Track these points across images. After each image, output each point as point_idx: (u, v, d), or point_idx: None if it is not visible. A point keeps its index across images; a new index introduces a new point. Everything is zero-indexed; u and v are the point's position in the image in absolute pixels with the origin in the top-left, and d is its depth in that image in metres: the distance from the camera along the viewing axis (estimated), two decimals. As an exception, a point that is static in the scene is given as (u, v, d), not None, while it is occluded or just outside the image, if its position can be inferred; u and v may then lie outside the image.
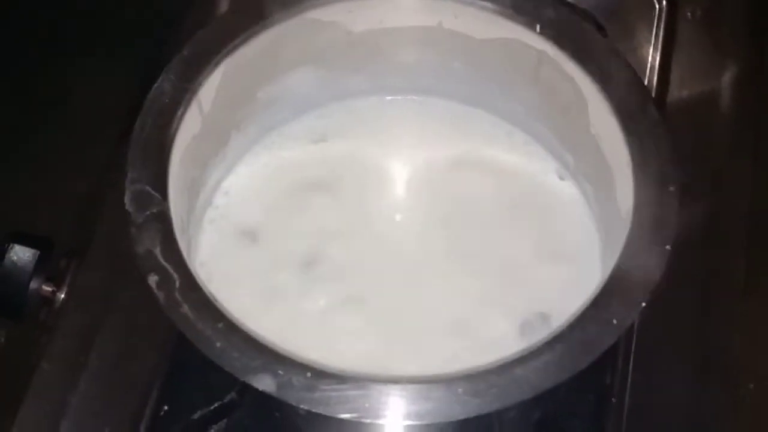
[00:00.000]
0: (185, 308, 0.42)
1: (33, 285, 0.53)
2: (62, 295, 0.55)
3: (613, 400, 0.52)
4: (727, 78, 0.63)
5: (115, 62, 0.64)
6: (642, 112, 0.47)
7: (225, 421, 0.51)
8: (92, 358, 0.53)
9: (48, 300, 0.54)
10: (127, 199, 0.45)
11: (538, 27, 0.50)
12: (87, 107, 0.63)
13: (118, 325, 0.54)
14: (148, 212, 0.44)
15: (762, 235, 0.57)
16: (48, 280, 0.54)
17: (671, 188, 0.45)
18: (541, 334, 0.43)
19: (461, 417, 0.40)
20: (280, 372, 0.40)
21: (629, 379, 0.52)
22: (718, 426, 0.52)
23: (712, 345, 0.54)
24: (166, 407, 0.52)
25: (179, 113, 0.47)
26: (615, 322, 0.42)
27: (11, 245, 0.52)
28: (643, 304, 0.42)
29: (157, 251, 0.43)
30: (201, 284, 0.43)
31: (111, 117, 0.58)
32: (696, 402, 0.53)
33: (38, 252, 0.53)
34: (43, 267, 0.53)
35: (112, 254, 0.55)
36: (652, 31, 0.64)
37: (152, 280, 0.42)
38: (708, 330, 0.54)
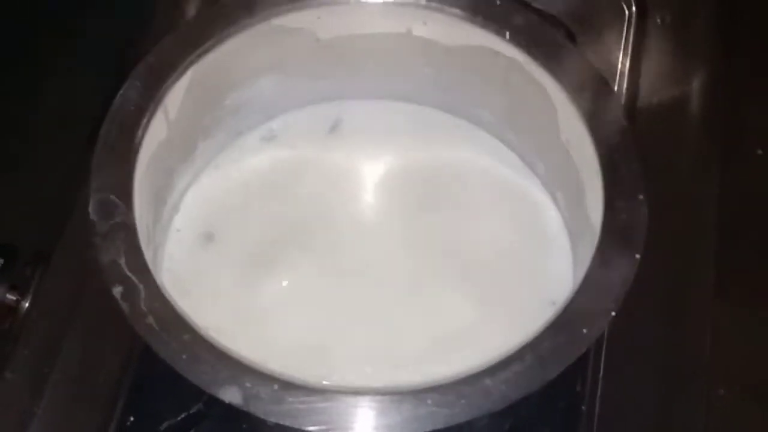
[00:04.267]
0: (150, 319, 0.41)
1: (-4, 294, 0.52)
2: (26, 304, 0.54)
3: (584, 408, 0.51)
4: (696, 84, 0.63)
5: (81, 67, 0.63)
6: (611, 120, 0.47)
7: (192, 432, 0.51)
8: (57, 368, 0.52)
9: (12, 309, 0.54)
10: (91, 209, 0.44)
11: (507, 34, 0.50)
12: (53, 112, 0.62)
13: (83, 335, 0.53)
14: (112, 221, 0.44)
15: (730, 241, 0.57)
16: (12, 288, 0.53)
17: (640, 196, 0.45)
18: (511, 342, 0.43)
19: (430, 428, 0.40)
20: (247, 384, 0.40)
21: (599, 387, 0.52)
22: (690, 432, 0.52)
23: (681, 352, 0.54)
24: (132, 418, 0.51)
25: (145, 120, 0.47)
26: (585, 331, 0.42)
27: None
28: (613, 314, 0.42)
29: (122, 262, 0.43)
30: (166, 295, 0.43)
31: (77, 122, 0.58)
32: (666, 409, 0.52)
33: (1, 260, 0.52)
34: (6, 275, 0.52)
35: (78, 262, 0.54)
36: (622, 36, 0.64)
37: (117, 291, 0.42)
38: (677, 337, 0.54)
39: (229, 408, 0.40)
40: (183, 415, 0.50)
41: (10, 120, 0.61)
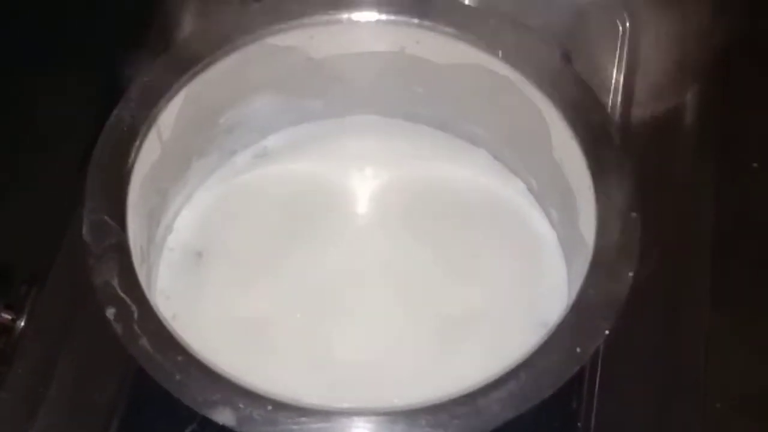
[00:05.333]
0: (144, 341, 0.41)
1: (-9, 313, 0.52)
2: (21, 323, 0.54)
3: (580, 425, 0.51)
4: (690, 98, 0.63)
5: (77, 85, 0.63)
6: (604, 138, 0.48)
7: (186, 452, 0.50)
8: (52, 388, 0.52)
9: (7, 328, 0.53)
10: (84, 230, 0.44)
11: (500, 53, 0.50)
12: (48, 131, 0.62)
13: (78, 355, 0.53)
14: (106, 243, 0.44)
15: (726, 255, 0.57)
16: (7, 307, 0.53)
17: (633, 214, 0.45)
18: (505, 361, 0.43)
19: (424, 449, 0.40)
20: (241, 405, 0.40)
21: (595, 404, 0.52)
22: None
23: (677, 367, 0.54)
24: (126, 438, 0.51)
25: (138, 141, 0.47)
26: (578, 350, 0.42)
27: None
28: (607, 332, 0.42)
29: (115, 283, 0.43)
30: (160, 316, 0.43)
31: (73, 141, 0.58)
32: (663, 424, 0.52)
33: (-4, 280, 0.52)
34: (2, 294, 0.52)
35: (73, 281, 0.54)
36: (615, 53, 0.64)
37: (110, 312, 0.42)
38: (673, 352, 0.54)
39: (223, 429, 0.40)
40: (177, 436, 0.50)
41: (4, 139, 0.61)
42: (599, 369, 0.53)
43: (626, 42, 0.65)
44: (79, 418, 0.52)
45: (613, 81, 0.63)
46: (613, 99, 0.63)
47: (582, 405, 0.52)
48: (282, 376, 0.46)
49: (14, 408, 0.52)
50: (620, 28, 0.65)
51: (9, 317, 0.53)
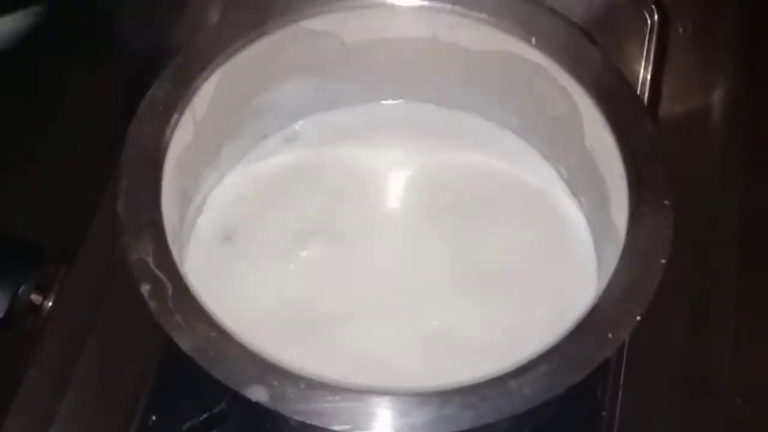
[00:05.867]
0: (178, 317, 0.41)
1: (21, 293, 0.52)
2: (50, 303, 0.54)
3: (604, 414, 0.51)
4: (718, 92, 0.63)
5: (109, 66, 0.63)
6: (637, 126, 0.47)
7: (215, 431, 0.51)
8: (80, 367, 0.52)
9: (35, 308, 0.54)
10: (119, 207, 0.44)
11: (533, 40, 0.50)
12: (80, 111, 0.62)
13: (106, 334, 0.53)
14: (141, 220, 0.44)
15: (754, 250, 0.57)
16: (36, 288, 0.53)
17: (666, 202, 0.45)
18: (533, 347, 0.43)
19: (454, 430, 0.40)
20: (275, 383, 0.40)
21: (620, 394, 0.52)
22: (707, 441, 0.52)
23: (702, 362, 0.54)
24: (154, 417, 0.51)
25: (173, 121, 0.47)
26: (610, 335, 0.42)
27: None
28: (639, 318, 0.42)
29: (150, 260, 0.43)
30: (194, 293, 0.43)
31: (105, 121, 0.58)
32: (686, 417, 0.52)
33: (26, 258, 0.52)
34: (32, 274, 0.53)
35: (102, 261, 0.55)
36: (644, 45, 0.64)
37: (145, 288, 0.42)
38: (699, 345, 0.54)
39: (253, 407, 0.40)
40: (206, 415, 0.50)
41: (35, 118, 0.61)
42: (624, 359, 0.53)
43: (654, 35, 0.65)
44: (107, 396, 0.52)
45: (641, 75, 0.63)
46: (641, 92, 0.63)
47: (607, 394, 0.52)
48: (307, 359, 0.46)
49: (43, 386, 0.52)
50: (648, 21, 0.65)
51: (38, 296, 0.54)
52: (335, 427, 0.39)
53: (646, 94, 0.63)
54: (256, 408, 0.40)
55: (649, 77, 0.63)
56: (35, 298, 0.54)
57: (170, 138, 0.47)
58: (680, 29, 0.65)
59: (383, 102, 0.57)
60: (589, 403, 0.52)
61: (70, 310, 0.54)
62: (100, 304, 0.54)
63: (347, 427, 0.40)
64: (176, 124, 0.47)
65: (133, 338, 0.52)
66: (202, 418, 0.50)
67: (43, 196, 0.59)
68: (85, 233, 0.56)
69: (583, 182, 0.52)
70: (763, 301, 0.56)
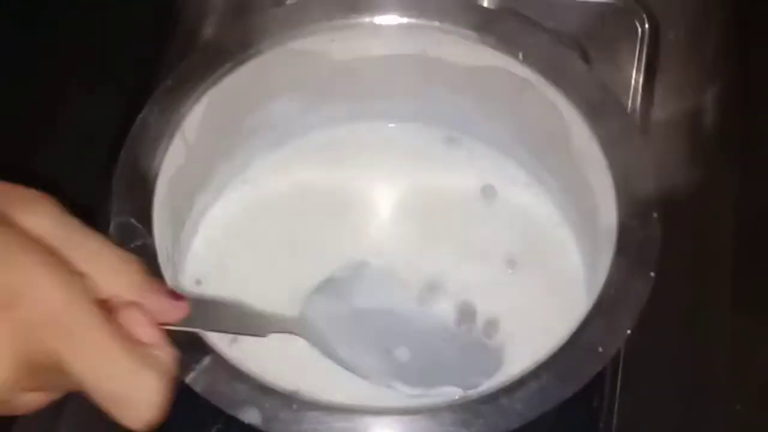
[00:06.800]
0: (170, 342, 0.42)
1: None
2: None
3: (601, 424, 0.51)
4: (710, 100, 0.63)
5: (101, 90, 0.64)
6: (625, 139, 0.48)
7: (211, 453, 0.51)
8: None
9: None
10: (111, 232, 0.45)
11: (520, 55, 0.50)
12: (73, 134, 0.62)
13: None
14: (132, 245, 0.44)
15: (747, 256, 0.56)
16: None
17: (654, 215, 0.45)
18: (523, 362, 0.43)
19: (448, 448, 0.40)
20: (267, 405, 0.40)
21: (616, 403, 0.52)
22: (707, 449, 0.52)
23: (698, 367, 0.54)
24: (151, 439, 0.51)
25: (163, 145, 0.48)
26: (600, 350, 0.42)
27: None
28: (629, 332, 0.42)
29: (142, 284, 0.43)
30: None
31: (96, 146, 0.58)
32: (684, 424, 0.52)
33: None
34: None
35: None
36: (635, 53, 0.64)
37: (137, 314, 0.42)
38: (695, 352, 0.54)
39: (249, 428, 0.40)
40: (203, 436, 0.50)
41: (29, 143, 0.61)
42: (620, 368, 0.53)
43: (645, 43, 0.65)
44: (104, 416, 0.52)
45: (633, 82, 0.63)
46: (633, 100, 0.63)
47: (603, 404, 0.52)
48: (301, 373, 0.46)
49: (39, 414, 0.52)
50: (639, 29, 0.65)
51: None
52: (329, 448, 0.40)
53: (638, 101, 0.63)
54: (252, 428, 0.40)
55: (641, 84, 0.63)
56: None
57: (161, 161, 0.47)
58: (671, 36, 0.65)
59: (372, 121, 0.57)
60: (586, 414, 0.52)
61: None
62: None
63: (341, 447, 0.40)
64: (167, 147, 0.48)
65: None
66: (198, 440, 0.50)
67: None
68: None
69: (571, 196, 0.53)
70: (758, 305, 0.56)
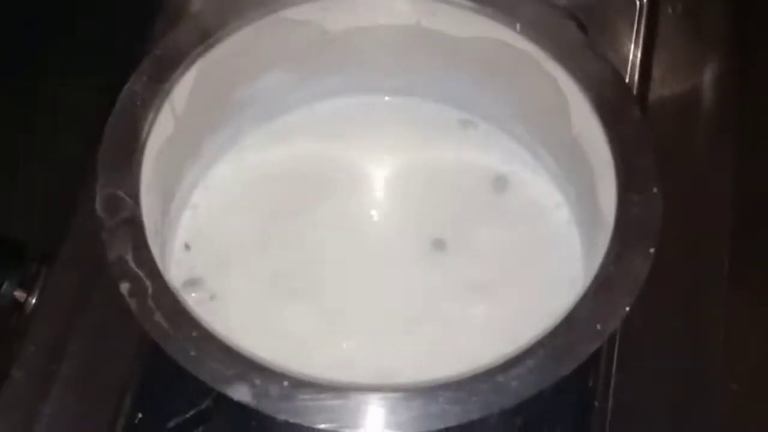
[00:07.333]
0: (158, 316, 0.41)
1: (4, 291, 0.51)
2: (33, 301, 0.53)
3: (596, 404, 0.51)
4: (708, 74, 0.63)
5: (86, 61, 0.63)
6: (624, 113, 0.47)
7: (201, 429, 0.50)
8: (64, 365, 0.52)
9: (19, 305, 0.53)
10: (98, 204, 0.44)
11: (518, 26, 0.49)
12: (59, 106, 0.62)
13: (90, 332, 0.53)
14: (119, 217, 0.43)
15: (745, 235, 0.56)
16: (20, 285, 0.53)
17: (654, 189, 0.44)
18: (520, 339, 0.42)
19: (442, 426, 0.39)
20: (257, 381, 0.39)
21: (612, 383, 0.52)
22: (702, 428, 0.52)
23: (695, 348, 0.53)
24: (140, 415, 0.51)
25: (151, 115, 0.46)
26: (599, 327, 0.41)
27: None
28: (627, 309, 0.42)
29: (129, 257, 0.42)
30: (174, 291, 0.42)
31: (84, 116, 0.57)
32: (680, 404, 0.52)
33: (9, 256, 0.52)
34: (15, 272, 0.52)
35: (85, 258, 0.54)
36: (633, 27, 0.64)
37: (124, 287, 0.41)
38: (691, 332, 0.54)
39: (239, 405, 0.39)
40: (192, 412, 0.50)
41: (14, 116, 0.61)
42: (616, 348, 0.52)
43: (643, 17, 0.64)
44: (92, 395, 0.52)
45: (631, 57, 0.63)
46: (631, 75, 0.62)
47: (599, 384, 0.52)
48: (296, 354, 0.45)
49: (27, 386, 0.52)
50: (638, 2, 0.65)
51: (22, 293, 0.53)
52: (320, 426, 0.39)
53: (636, 77, 0.62)
54: (243, 405, 0.40)
55: (638, 59, 0.63)
56: (19, 295, 0.53)
57: (149, 133, 0.46)
58: (669, 10, 0.64)
59: (366, 94, 0.56)
60: (581, 394, 0.51)
61: (54, 308, 0.54)
62: (84, 301, 0.53)
63: (333, 425, 0.39)
64: (155, 118, 0.47)
65: (118, 336, 0.52)
66: (188, 416, 0.50)
67: (24, 194, 0.58)
68: (67, 230, 0.56)
69: (570, 171, 0.52)
70: (755, 285, 0.56)
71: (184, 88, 0.48)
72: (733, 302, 0.54)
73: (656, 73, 0.62)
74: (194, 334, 0.40)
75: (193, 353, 0.40)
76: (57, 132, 0.60)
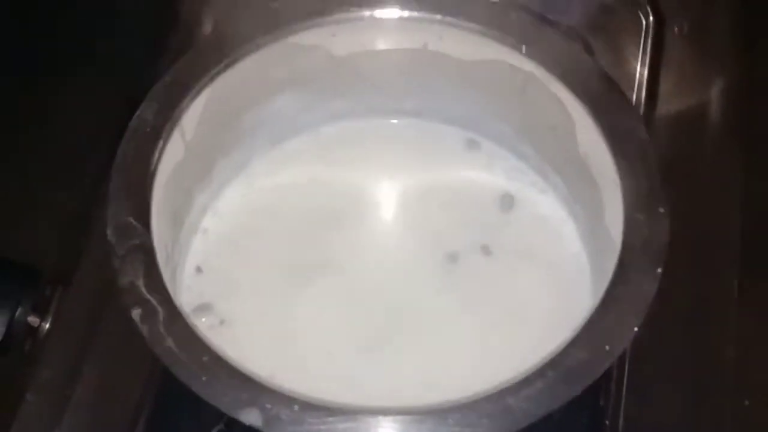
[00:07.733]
0: (169, 341, 0.41)
1: (18, 315, 0.52)
2: (47, 326, 0.54)
3: (607, 422, 0.51)
4: (715, 92, 0.63)
5: (99, 86, 0.63)
6: (630, 133, 0.47)
7: (213, 453, 0.50)
8: (77, 390, 0.52)
9: (33, 330, 0.53)
10: (109, 231, 0.44)
11: (524, 48, 0.49)
12: (74, 131, 0.62)
13: (104, 357, 0.53)
14: (130, 243, 0.44)
15: (753, 252, 0.56)
16: (33, 310, 0.53)
17: (661, 209, 0.45)
18: (529, 361, 0.42)
19: (453, 448, 0.39)
20: (268, 406, 0.40)
21: (623, 401, 0.51)
22: (715, 445, 0.52)
23: (705, 365, 0.53)
24: (153, 439, 0.51)
25: (161, 142, 0.47)
26: (607, 348, 0.41)
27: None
28: (636, 329, 0.42)
29: (141, 283, 0.43)
30: (185, 316, 0.42)
31: (100, 140, 0.58)
32: (691, 422, 0.52)
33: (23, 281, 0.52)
34: (28, 297, 0.52)
35: (99, 283, 0.55)
36: (639, 46, 0.64)
37: (135, 313, 0.42)
38: (702, 349, 0.54)
39: (250, 429, 0.40)
40: (204, 436, 0.50)
41: (28, 140, 0.61)
42: (627, 367, 0.52)
43: (650, 36, 0.64)
44: (105, 420, 0.52)
45: (637, 76, 0.63)
46: (638, 94, 0.62)
47: (610, 403, 0.51)
48: (309, 379, 0.45)
49: (40, 410, 0.52)
50: (644, 21, 0.65)
51: (36, 320, 0.53)
52: (331, 449, 0.39)
53: (643, 95, 0.62)
54: (253, 429, 0.40)
55: (645, 78, 0.63)
56: (32, 320, 0.53)
57: (159, 159, 0.47)
58: (675, 29, 0.65)
59: (374, 117, 0.56)
60: (592, 412, 0.51)
61: (67, 332, 0.54)
62: (97, 327, 0.54)
63: (343, 448, 0.39)
64: (165, 144, 0.47)
65: (131, 361, 0.52)
66: (201, 440, 0.50)
67: (37, 220, 0.59)
68: (81, 254, 0.56)
69: (577, 191, 0.52)
70: (765, 302, 0.56)
71: (194, 114, 0.49)
72: (744, 318, 0.54)
73: (663, 92, 0.62)
74: (205, 359, 0.41)
75: (204, 378, 0.40)
76: (71, 157, 0.61)
